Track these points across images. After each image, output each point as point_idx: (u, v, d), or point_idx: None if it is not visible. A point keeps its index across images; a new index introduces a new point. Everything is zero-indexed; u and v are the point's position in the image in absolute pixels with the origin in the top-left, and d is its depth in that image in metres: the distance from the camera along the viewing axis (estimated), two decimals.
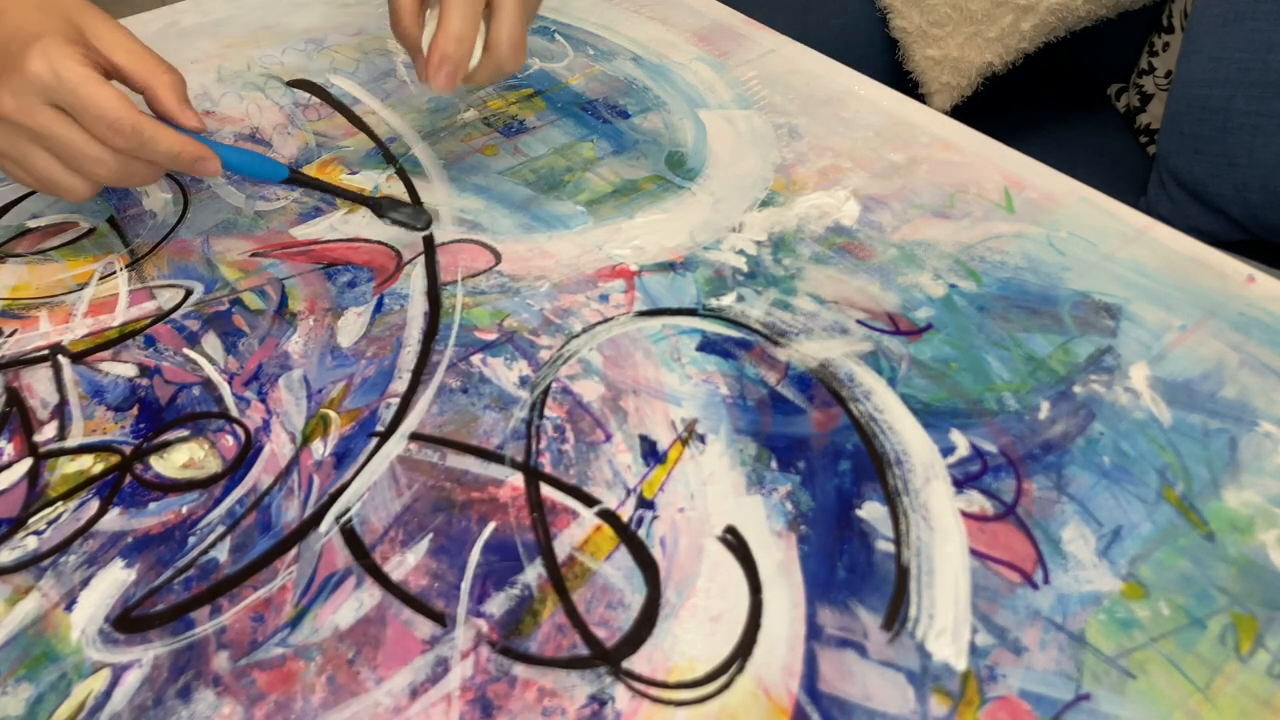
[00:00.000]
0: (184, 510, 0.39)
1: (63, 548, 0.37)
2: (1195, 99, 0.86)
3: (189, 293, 0.48)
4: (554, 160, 0.57)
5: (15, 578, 0.36)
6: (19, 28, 0.43)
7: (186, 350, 0.45)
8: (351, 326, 0.46)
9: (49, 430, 0.42)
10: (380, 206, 0.51)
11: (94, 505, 0.39)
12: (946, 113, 0.68)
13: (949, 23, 1.01)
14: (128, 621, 0.35)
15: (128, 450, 0.41)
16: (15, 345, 0.45)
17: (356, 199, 0.52)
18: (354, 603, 0.36)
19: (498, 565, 0.37)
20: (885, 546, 0.38)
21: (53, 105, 0.43)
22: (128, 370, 0.44)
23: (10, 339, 0.46)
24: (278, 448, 0.41)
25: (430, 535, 0.38)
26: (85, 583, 0.36)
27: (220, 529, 0.38)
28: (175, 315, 0.47)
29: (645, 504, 0.39)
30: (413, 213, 0.51)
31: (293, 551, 0.37)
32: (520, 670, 0.34)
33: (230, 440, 0.41)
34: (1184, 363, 0.45)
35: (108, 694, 0.33)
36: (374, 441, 0.41)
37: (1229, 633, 0.35)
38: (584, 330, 0.47)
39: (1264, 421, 0.43)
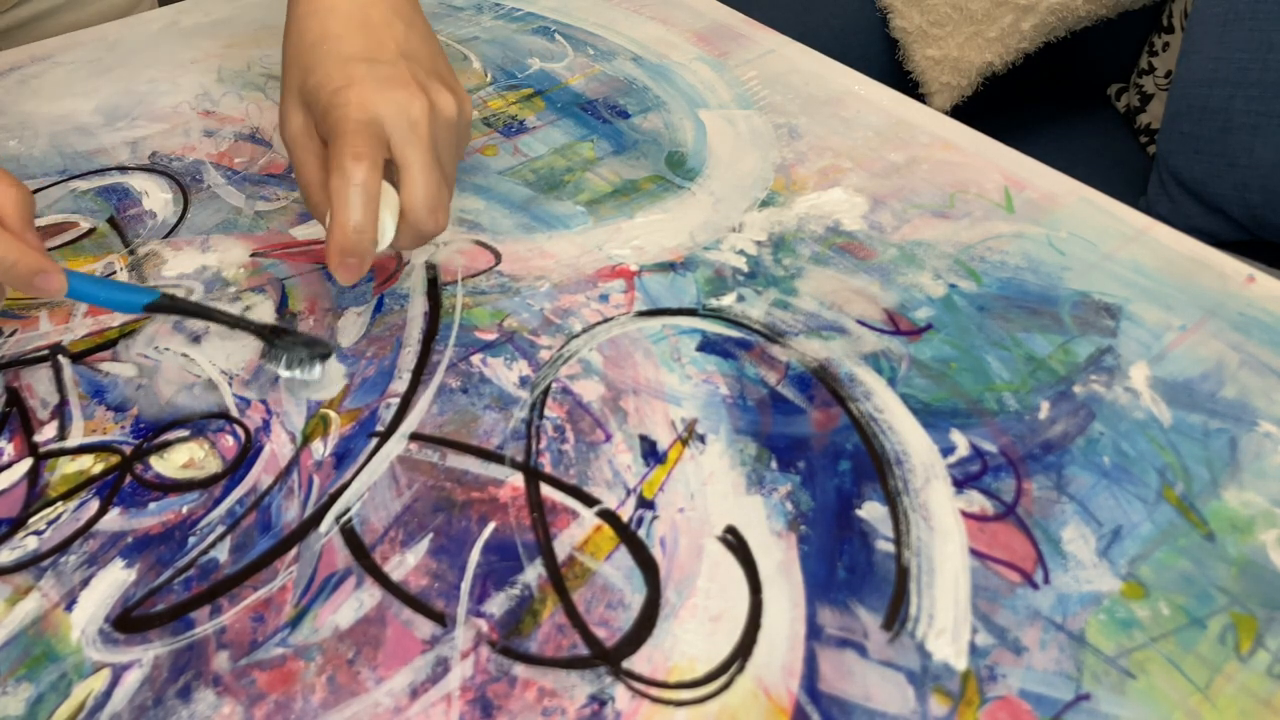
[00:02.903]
0: (184, 510, 0.39)
1: (63, 548, 0.37)
2: (1195, 99, 0.86)
3: (189, 292, 0.48)
4: (554, 160, 0.57)
5: (15, 578, 0.36)
6: None
7: (186, 350, 0.45)
8: (351, 326, 0.46)
9: (49, 430, 0.42)
10: (271, 337, 0.43)
11: (94, 505, 0.39)
12: (946, 113, 0.68)
13: (949, 23, 1.01)
14: (128, 621, 0.35)
15: (128, 450, 0.41)
16: (15, 345, 0.45)
17: (241, 325, 0.44)
18: (354, 603, 0.36)
19: (498, 565, 0.37)
20: (885, 546, 0.38)
21: None
22: (128, 370, 0.44)
23: (10, 339, 0.46)
24: (278, 448, 0.41)
25: (430, 535, 0.38)
26: (85, 583, 0.36)
27: (220, 529, 0.38)
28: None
29: (645, 504, 0.39)
30: (308, 343, 0.43)
31: (293, 551, 0.37)
32: (520, 670, 0.34)
33: (230, 440, 0.41)
34: (1184, 363, 0.45)
35: (108, 694, 0.33)
36: (374, 441, 0.41)
37: (1229, 633, 0.35)
38: (584, 330, 0.47)
39: (1264, 421, 0.43)
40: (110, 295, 0.43)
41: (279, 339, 0.43)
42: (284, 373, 0.43)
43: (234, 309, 0.47)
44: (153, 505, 0.39)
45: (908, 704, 0.33)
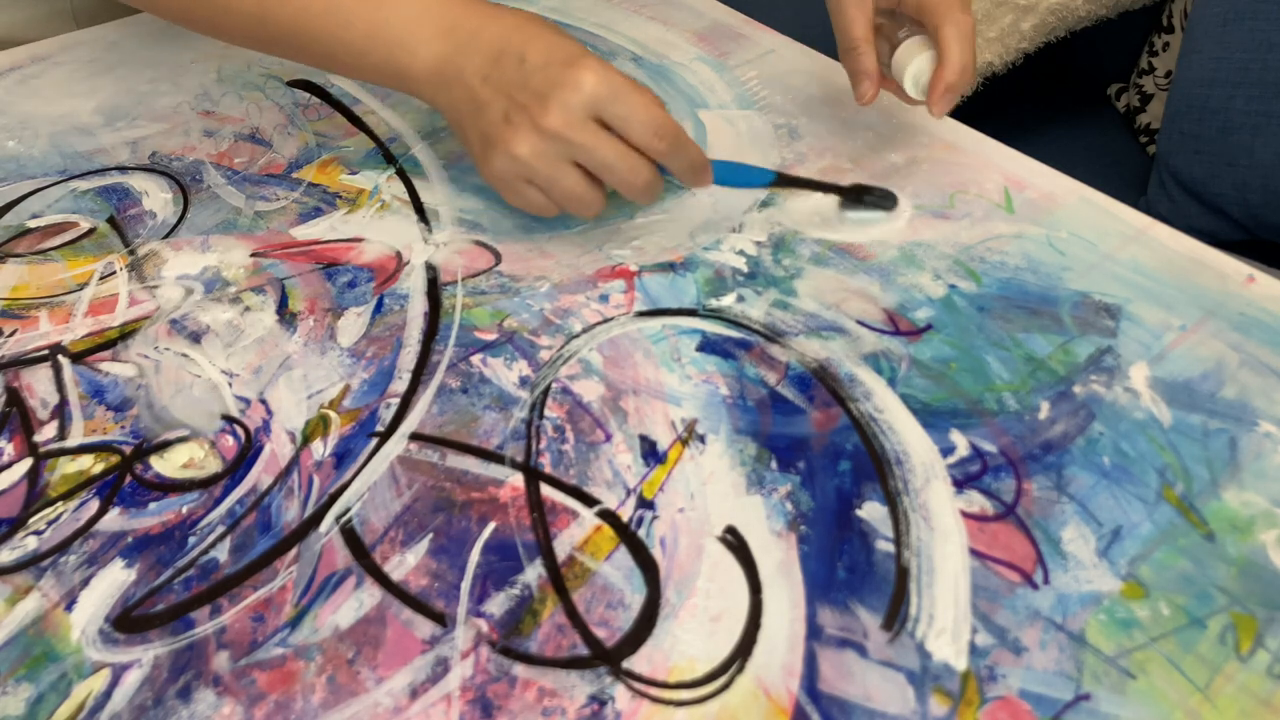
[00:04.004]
0: (184, 510, 0.39)
1: (63, 548, 0.37)
2: (1195, 99, 0.86)
3: (189, 292, 0.48)
4: None
5: (15, 578, 0.36)
6: (553, 51, 0.45)
7: (186, 350, 0.45)
8: (351, 326, 0.46)
9: (49, 430, 0.42)
10: (854, 194, 0.53)
11: (94, 505, 0.39)
12: (946, 112, 0.68)
13: None
14: (128, 621, 0.35)
15: (128, 450, 0.41)
16: (15, 345, 0.45)
17: (834, 189, 0.53)
18: (354, 603, 0.36)
19: (498, 565, 0.37)
20: (885, 546, 0.38)
21: (595, 119, 0.45)
22: (128, 370, 0.44)
23: (10, 339, 0.46)
24: (278, 448, 0.41)
25: (430, 535, 0.38)
26: (85, 583, 0.36)
27: (220, 529, 0.38)
28: (175, 315, 0.47)
29: (645, 504, 0.39)
30: (882, 194, 0.53)
31: (293, 551, 0.37)
32: (520, 670, 0.34)
33: (230, 440, 0.41)
34: (1184, 363, 0.45)
35: (108, 694, 0.33)
36: (374, 441, 0.41)
37: (1229, 633, 0.35)
38: (584, 330, 0.47)
39: (1264, 421, 0.43)
40: (743, 175, 0.52)
41: (865, 196, 0.53)
42: (861, 213, 0.53)
43: (234, 309, 0.47)
44: (153, 505, 0.39)
45: (908, 704, 0.33)
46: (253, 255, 0.50)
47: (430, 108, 0.61)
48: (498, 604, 0.36)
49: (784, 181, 0.52)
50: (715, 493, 0.40)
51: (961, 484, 0.40)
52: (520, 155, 0.45)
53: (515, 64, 0.45)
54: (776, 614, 0.36)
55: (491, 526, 0.38)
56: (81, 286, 0.48)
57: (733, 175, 0.51)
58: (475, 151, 0.48)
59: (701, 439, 0.42)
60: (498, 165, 0.46)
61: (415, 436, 0.41)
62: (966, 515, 0.39)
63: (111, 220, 0.52)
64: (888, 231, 0.53)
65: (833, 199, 0.54)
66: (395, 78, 0.49)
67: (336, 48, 0.49)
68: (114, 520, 0.38)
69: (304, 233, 0.52)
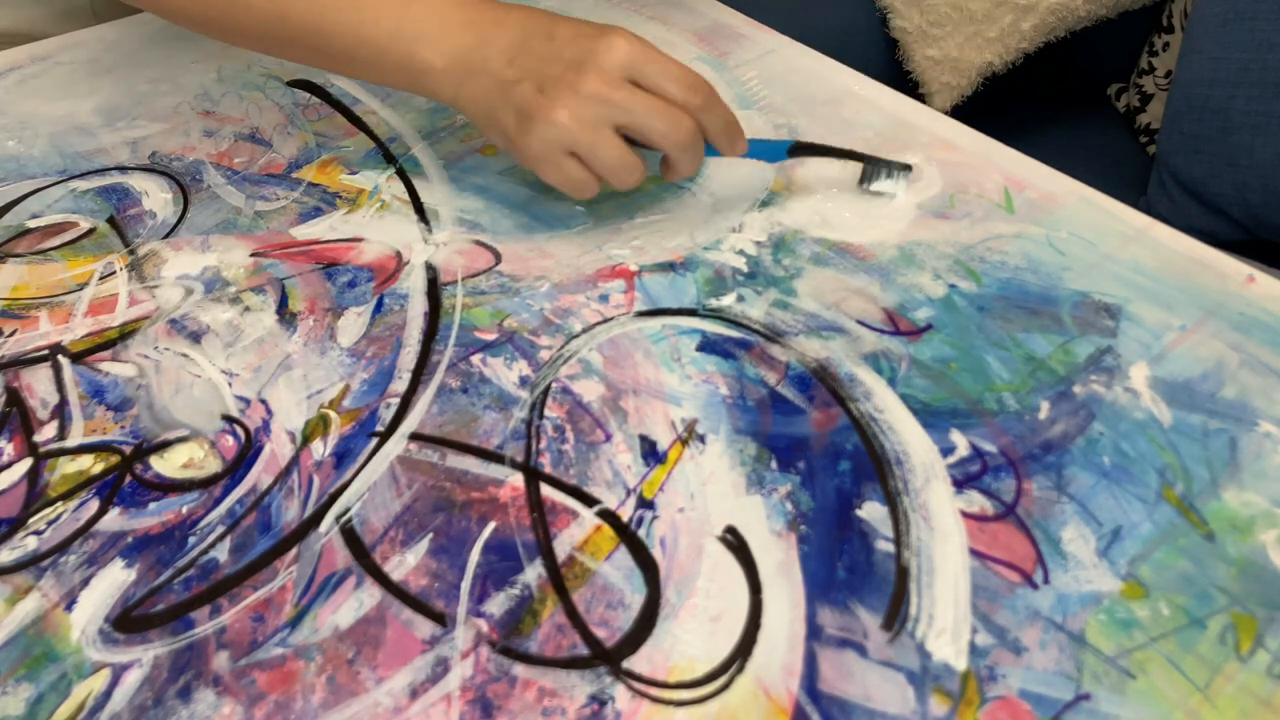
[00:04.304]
0: (184, 510, 0.39)
1: (63, 548, 0.37)
2: (1195, 99, 0.86)
3: (189, 292, 0.48)
4: None
5: (15, 578, 0.36)
6: (580, 25, 0.47)
7: (186, 350, 0.45)
8: (351, 326, 0.46)
9: (49, 430, 0.42)
10: (872, 162, 0.54)
11: (94, 505, 0.39)
12: (946, 113, 0.68)
13: (949, 23, 1.01)
14: (128, 621, 0.35)
15: (128, 450, 0.41)
16: (15, 345, 0.45)
17: (852, 155, 0.54)
18: (354, 603, 0.36)
19: (498, 565, 0.37)
20: (885, 546, 0.38)
21: (630, 81, 0.46)
22: (128, 370, 0.44)
23: (10, 339, 0.46)
24: (278, 448, 0.41)
25: (430, 535, 0.38)
26: (85, 583, 0.36)
27: (220, 529, 0.38)
28: (175, 315, 0.47)
29: (645, 504, 0.39)
30: (899, 165, 0.54)
31: (293, 551, 0.37)
32: (520, 670, 0.34)
33: (230, 440, 0.41)
34: (1184, 363, 0.45)
35: (108, 694, 0.33)
36: (374, 441, 0.41)
37: (1229, 633, 0.35)
38: (584, 330, 0.47)
39: (1264, 421, 0.43)
40: (763, 150, 0.52)
41: (885, 167, 0.54)
42: (880, 183, 0.54)
43: (234, 309, 0.47)
44: (153, 505, 0.39)
45: (908, 704, 0.33)
46: (253, 255, 0.50)
47: (438, 105, 0.61)
48: (498, 604, 0.36)
49: (801, 150, 0.53)
50: (715, 493, 0.40)
51: (961, 484, 0.40)
52: (561, 120, 0.45)
53: (544, 41, 0.46)
54: (776, 614, 0.36)
55: (491, 526, 0.38)
56: (81, 286, 0.48)
57: (753, 147, 0.51)
58: (510, 132, 0.47)
59: (701, 439, 0.42)
60: (537, 137, 0.46)
61: (415, 436, 0.41)
62: (966, 515, 0.39)
63: (111, 220, 0.52)
64: (896, 213, 0.53)
65: (843, 186, 0.54)
66: (414, 74, 0.49)
67: (356, 45, 0.49)
68: (114, 520, 0.38)
69: (304, 233, 0.52)
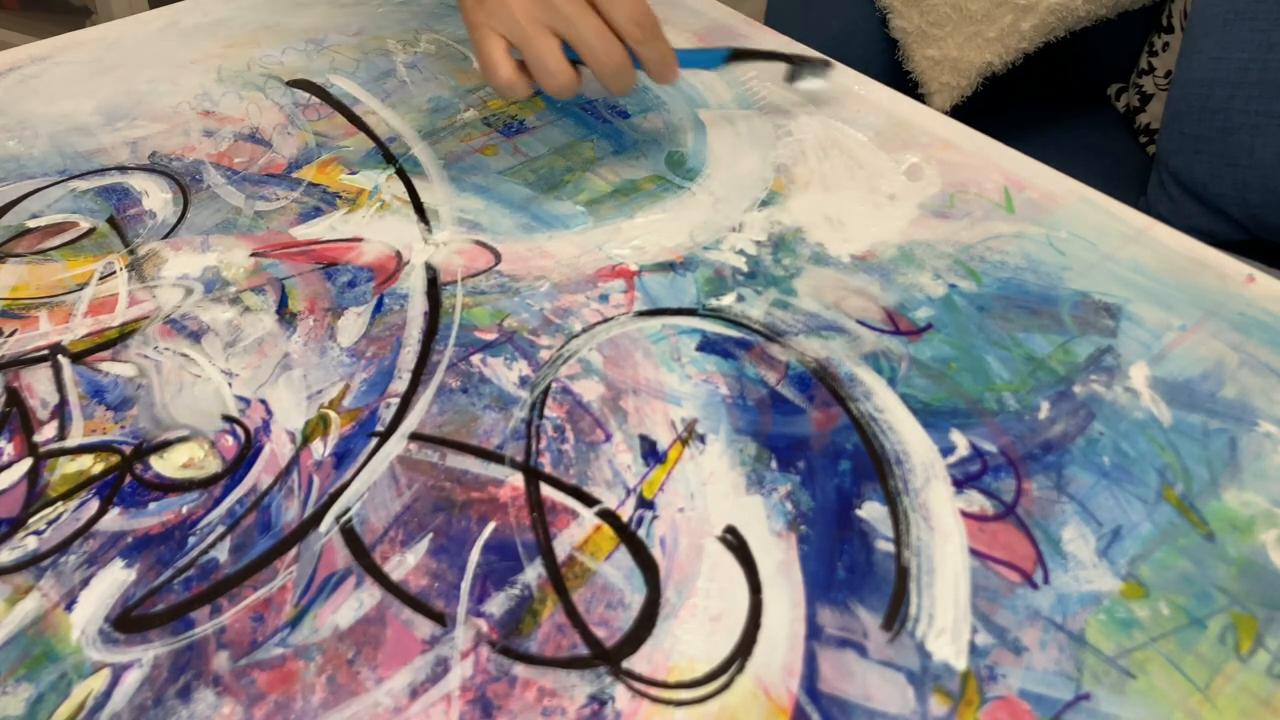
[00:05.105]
0: (184, 510, 0.39)
1: (63, 548, 0.37)
2: (1195, 99, 0.86)
3: (189, 292, 0.48)
4: (554, 160, 0.57)
5: (15, 578, 0.36)
6: None
7: (186, 350, 0.45)
8: (351, 326, 0.46)
9: (49, 430, 0.42)
10: (797, 62, 0.58)
11: (94, 505, 0.39)
12: (946, 113, 0.68)
13: (949, 23, 1.01)
14: (128, 621, 0.35)
15: (128, 450, 0.41)
16: (15, 345, 0.45)
17: (783, 58, 0.59)
18: (354, 603, 0.36)
19: (498, 565, 0.37)
20: (885, 546, 0.38)
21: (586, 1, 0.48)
22: (128, 370, 0.44)
23: (10, 339, 0.46)
24: (278, 448, 0.41)
25: (430, 535, 0.38)
26: (85, 583, 0.36)
27: (220, 529, 0.38)
28: (175, 315, 0.47)
29: (645, 504, 0.39)
30: (821, 61, 0.60)
31: (293, 551, 0.37)
32: (520, 670, 0.34)
33: (230, 440, 0.41)
34: (1184, 363, 0.45)
35: (108, 694, 0.33)
36: (374, 441, 0.41)
37: (1229, 633, 0.35)
38: (584, 330, 0.47)
39: (1264, 421, 0.43)
40: (699, 58, 0.56)
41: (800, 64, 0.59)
42: (806, 82, 0.60)
43: (234, 309, 0.47)
44: (153, 505, 0.39)
45: (908, 704, 0.33)
46: (253, 255, 0.50)
47: (438, 105, 0.61)
48: (498, 604, 0.36)
49: (737, 56, 0.56)
50: (715, 492, 0.40)
51: (961, 484, 0.40)
52: (509, 7, 0.48)
53: None
54: (776, 614, 0.36)
55: (491, 526, 0.38)
56: (81, 286, 0.48)
57: (690, 59, 0.54)
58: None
59: (701, 439, 0.42)
60: (485, 11, 0.49)
61: (415, 436, 0.41)
62: (966, 515, 0.39)
63: (111, 220, 0.52)
64: (896, 213, 0.54)
65: (844, 186, 0.54)
66: None
67: None
68: (114, 520, 0.38)
69: (304, 232, 0.52)
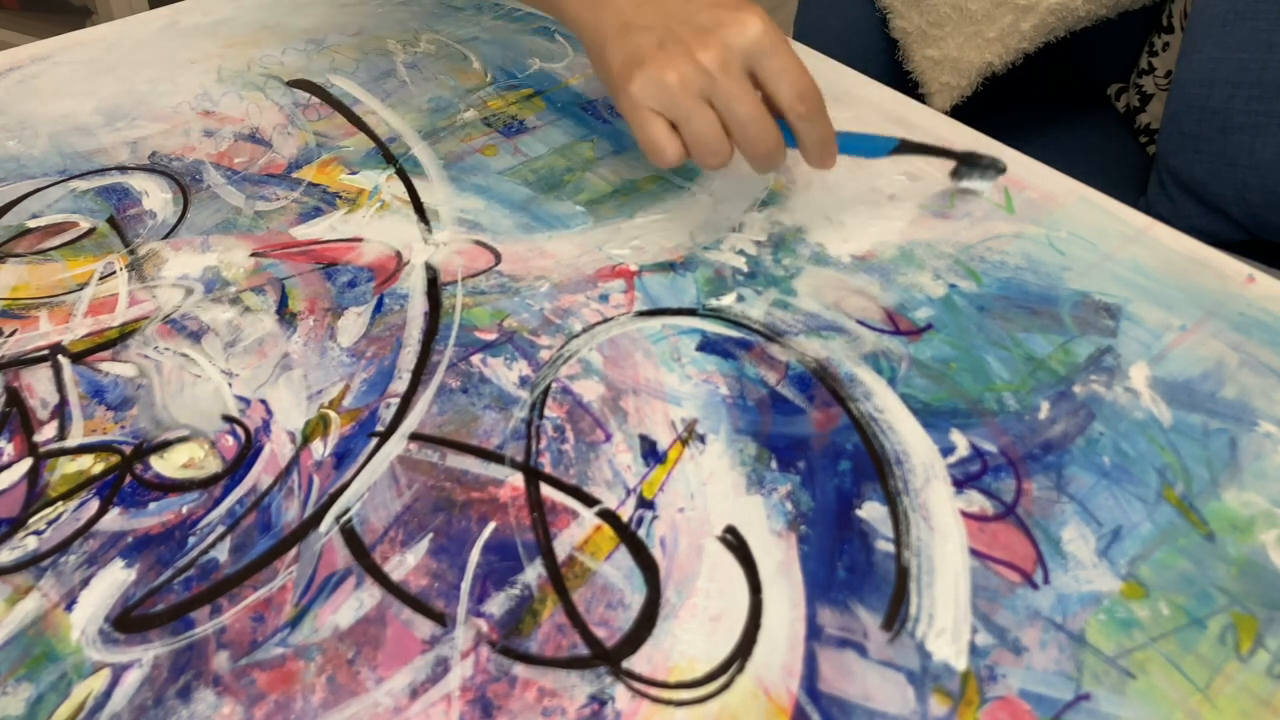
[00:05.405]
0: (184, 510, 0.39)
1: (63, 548, 0.37)
2: (1195, 99, 0.86)
3: (189, 292, 0.48)
4: (554, 160, 0.57)
5: (15, 578, 0.36)
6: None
7: (186, 350, 0.45)
8: (351, 326, 0.46)
9: (49, 430, 0.42)
10: (966, 160, 0.54)
11: (94, 505, 0.39)
12: (946, 113, 0.68)
13: (949, 23, 1.01)
14: (128, 621, 0.35)
15: (128, 450, 0.41)
16: (15, 345, 0.45)
17: (953, 155, 0.54)
18: (354, 603, 0.36)
19: (498, 565, 0.37)
20: (885, 546, 0.38)
21: (748, 70, 0.45)
22: (128, 370, 0.44)
23: (10, 339, 0.46)
24: (278, 448, 0.41)
25: (430, 535, 0.38)
26: (85, 583, 0.36)
27: (220, 529, 0.38)
28: (175, 315, 0.47)
29: (645, 504, 0.39)
30: (990, 161, 0.55)
31: (293, 551, 0.37)
32: (520, 670, 0.34)
33: (230, 440, 0.41)
34: (1184, 363, 0.45)
35: (108, 694, 0.33)
36: (374, 441, 0.41)
37: (1229, 633, 0.35)
38: (584, 330, 0.47)
39: (1264, 421, 0.43)
40: (866, 145, 0.52)
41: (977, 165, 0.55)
42: (971, 182, 0.55)
43: (234, 309, 0.47)
44: (153, 505, 0.39)
45: (908, 704, 0.33)
46: (253, 255, 0.50)
47: (438, 105, 0.61)
48: (498, 604, 0.36)
49: (906, 148, 0.52)
50: (715, 493, 0.40)
51: (961, 484, 0.40)
52: (668, 81, 0.44)
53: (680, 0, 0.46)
54: (776, 614, 0.36)
55: (491, 526, 0.38)
56: (81, 286, 0.48)
57: (856, 145, 0.51)
58: (614, 71, 0.46)
59: (701, 439, 0.42)
60: (638, 87, 0.45)
61: (415, 436, 0.41)
62: (966, 515, 0.39)
63: (111, 220, 0.52)
64: (896, 213, 0.53)
65: (843, 186, 0.54)
66: None
67: None
68: (114, 520, 0.38)
69: (304, 233, 0.52)
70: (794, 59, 0.46)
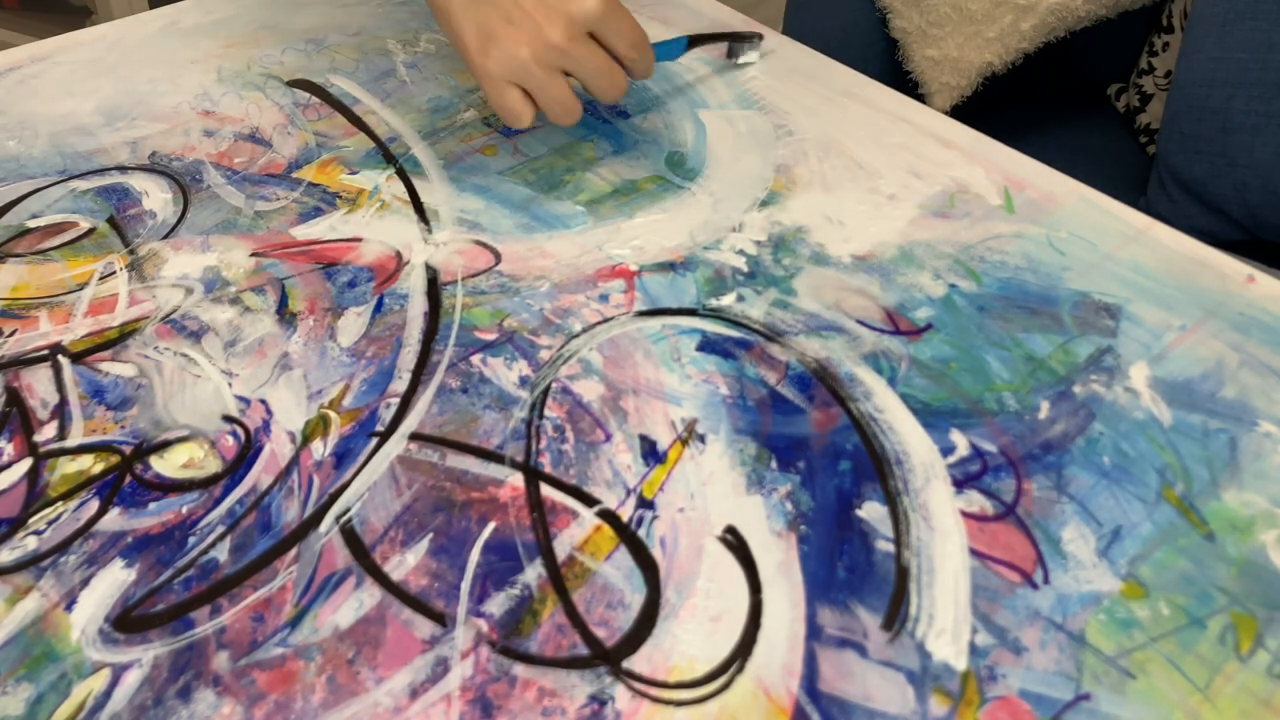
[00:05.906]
0: (184, 510, 0.39)
1: (63, 548, 0.37)
2: (1195, 99, 0.86)
3: (189, 292, 0.48)
4: (554, 160, 0.57)
5: (15, 578, 0.36)
6: None
7: (186, 350, 0.45)
8: (351, 326, 0.46)
9: (49, 430, 0.42)
10: (737, 39, 0.64)
11: (94, 505, 0.39)
12: (946, 113, 0.68)
13: (948, 23, 1.01)
14: (128, 621, 0.35)
15: (128, 450, 0.41)
16: (15, 345, 0.45)
17: (721, 38, 0.64)
18: (354, 603, 0.36)
19: (498, 565, 0.37)
20: (885, 546, 0.38)
21: (588, 35, 0.50)
22: (128, 370, 0.44)
23: (10, 339, 0.46)
24: (278, 448, 0.41)
25: (430, 535, 0.38)
26: (85, 583, 0.36)
27: (220, 529, 0.38)
28: (175, 315, 0.47)
29: (645, 504, 0.39)
30: (755, 36, 0.65)
31: (293, 551, 0.37)
32: (520, 670, 0.34)
33: (230, 440, 0.41)
34: (1184, 363, 0.45)
35: (108, 694, 0.33)
36: (374, 441, 0.41)
37: (1229, 633, 0.35)
38: (584, 330, 0.47)
39: (1264, 421, 0.43)
40: (662, 51, 0.58)
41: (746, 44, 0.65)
42: (745, 57, 0.66)
43: (234, 309, 0.47)
44: (153, 505, 0.39)
45: (908, 704, 0.33)
46: (253, 255, 0.50)
47: (438, 105, 0.61)
48: (498, 604, 0.36)
49: (695, 43, 0.61)
50: (715, 493, 0.40)
51: (961, 484, 0.40)
52: (521, 56, 0.49)
53: None
54: (776, 614, 0.36)
55: (491, 526, 0.38)
56: (81, 286, 0.48)
57: (660, 54, 0.57)
58: (468, 41, 0.51)
59: (701, 439, 0.42)
60: (494, 61, 0.50)
61: (415, 436, 0.41)
62: (966, 515, 0.39)
63: (111, 220, 0.52)
64: (896, 213, 0.54)
65: (845, 186, 0.54)
66: None
67: None
68: (114, 520, 0.38)
69: (304, 232, 0.52)
70: (626, 16, 0.51)
